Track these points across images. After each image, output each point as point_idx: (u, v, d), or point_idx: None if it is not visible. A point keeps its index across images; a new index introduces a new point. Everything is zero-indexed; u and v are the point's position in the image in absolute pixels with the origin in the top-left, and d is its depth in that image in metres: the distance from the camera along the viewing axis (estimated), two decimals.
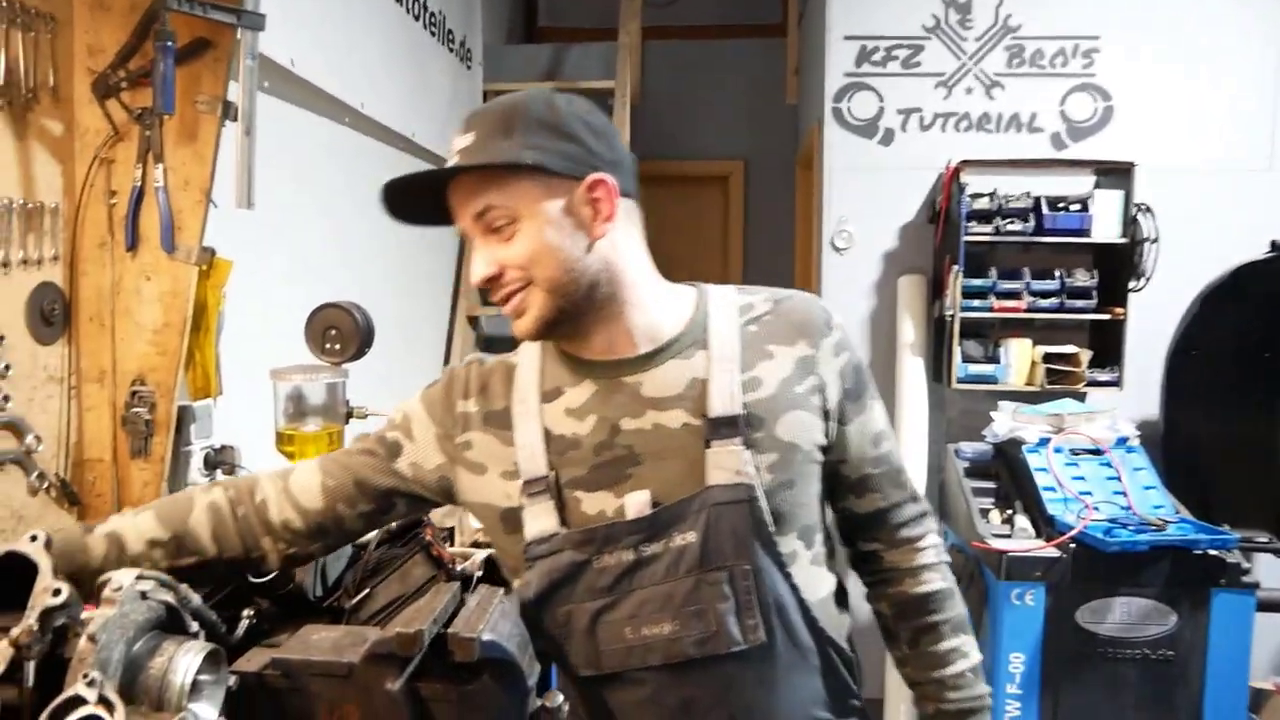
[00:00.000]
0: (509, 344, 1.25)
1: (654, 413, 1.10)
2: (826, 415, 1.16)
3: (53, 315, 1.78)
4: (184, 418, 1.91)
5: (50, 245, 1.77)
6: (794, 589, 1.09)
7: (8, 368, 1.67)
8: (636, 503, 1.09)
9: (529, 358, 1.20)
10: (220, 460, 2.01)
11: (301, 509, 1.16)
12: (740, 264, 4.83)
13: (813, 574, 1.14)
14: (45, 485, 1.77)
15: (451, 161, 1.08)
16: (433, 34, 4.00)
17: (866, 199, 3.62)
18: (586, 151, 1.08)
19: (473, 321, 4.46)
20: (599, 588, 1.08)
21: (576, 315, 1.10)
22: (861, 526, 1.25)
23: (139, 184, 1.80)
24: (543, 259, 1.06)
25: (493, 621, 0.95)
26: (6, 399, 1.66)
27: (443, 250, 4.37)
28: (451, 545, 1.74)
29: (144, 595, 0.94)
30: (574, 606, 1.09)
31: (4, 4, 1.62)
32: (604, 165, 1.09)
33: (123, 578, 0.93)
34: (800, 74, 4.62)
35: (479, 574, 1.64)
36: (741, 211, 4.80)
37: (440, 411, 1.20)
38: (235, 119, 1.83)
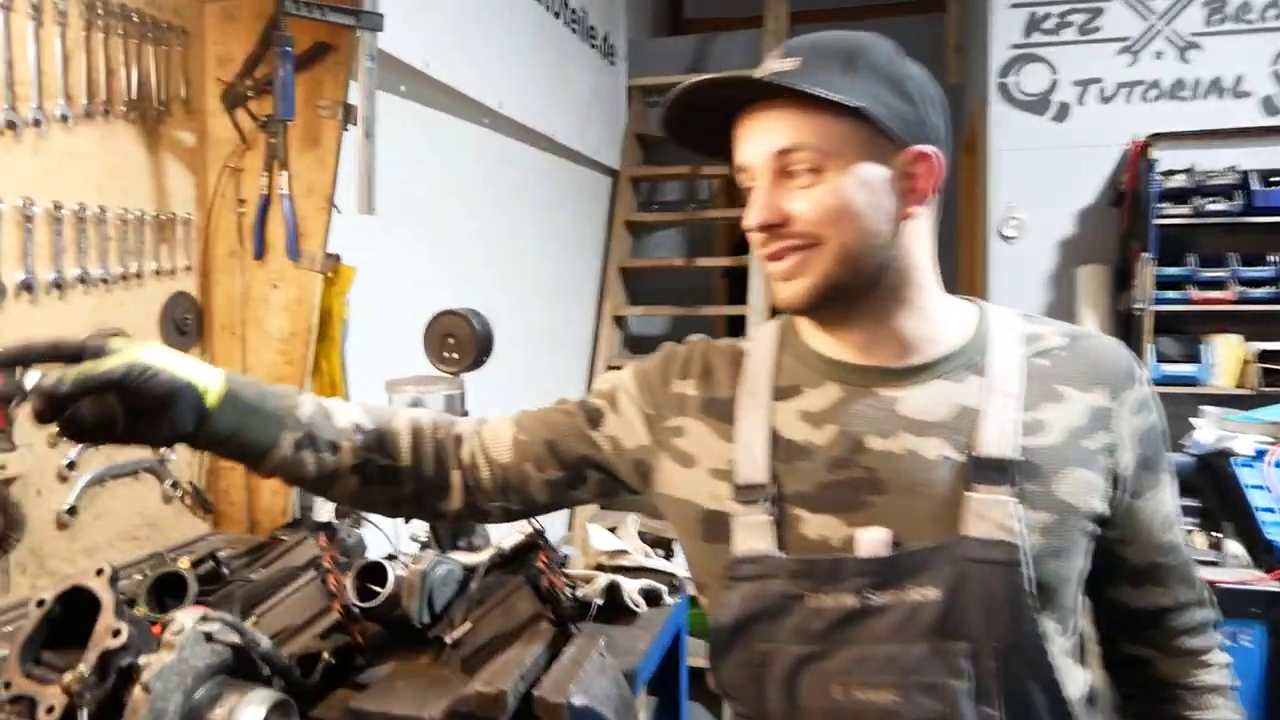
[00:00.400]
0: (655, 345, 1.13)
1: (909, 436, 0.93)
2: (1115, 483, 0.97)
3: (186, 324, 1.79)
4: None
5: (183, 255, 1.79)
6: (1051, 682, 0.91)
7: None
8: (871, 539, 0.91)
9: (763, 345, 1.04)
10: None
11: (489, 459, 1.05)
12: None
13: (1065, 667, 0.94)
14: (179, 493, 1.79)
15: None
16: (573, 31, 3.95)
17: (1038, 182, 3.29)
18: (920, 120, 0.93)
19: (619, 321, 4.39)
20: (810, 631, 0.92)
21: (852, 298, 0.93)
22: (1133, 625, 1.06)
23: (265, 192, 1.79)
24: (842, 220, 0.90)
25: (587, 680, 0.82)
26: None
27: (587, 248, 4.33)
28: (566, 570, 1.63)
29: (208, 637, 0.86)
30: (775, 647, 0.93)
31: (134, 19, 1.64)
32: (934, 141, 0.94)
33: (185, 619, 0.85)
34: (962, 50, 4.29)
35: (599, 602, 1.53)
36: None
37: (654, 389, 1.06)
38: (356, 123, 1.79)
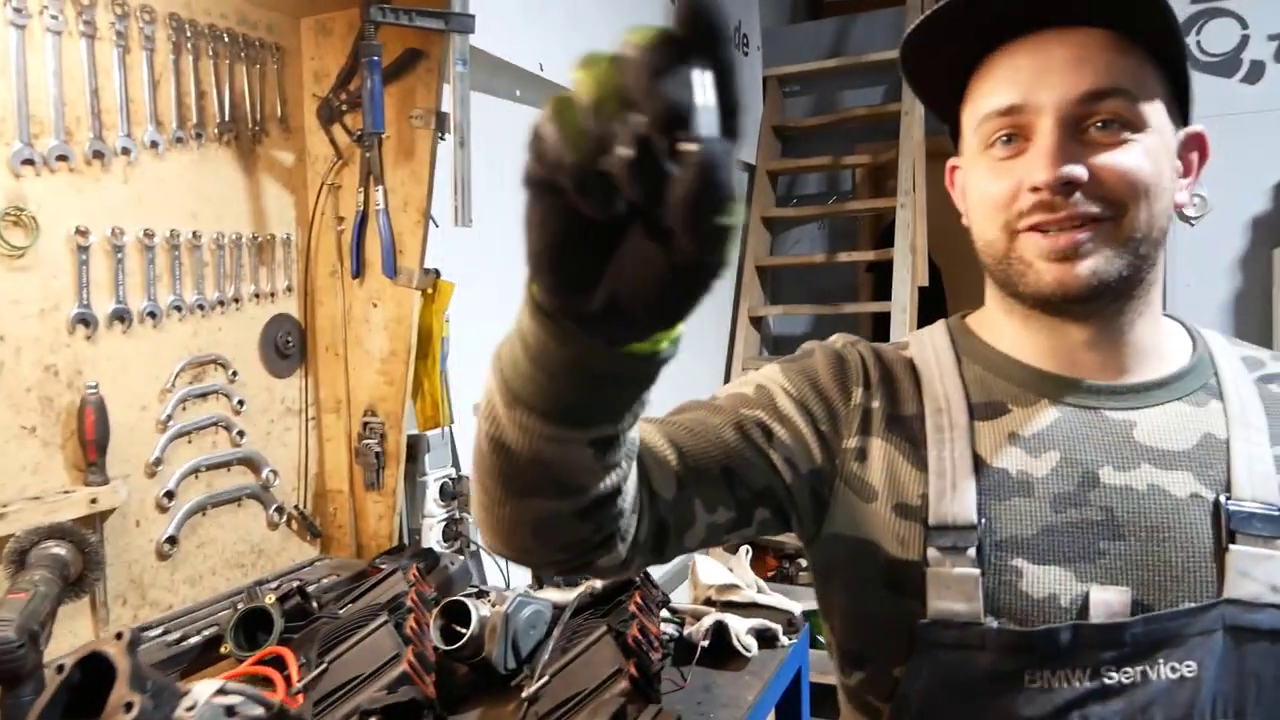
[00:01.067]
0: (797, 347, 0.92)
1: (1151, 469, 0.76)
2: None
3: (288, 347, 1.77)
4: (416, 448, 1.84)
5: (283, 277, 1.76)
6: None
7: (241, 403, 1.66)
8: (1107, 601, 0.73)
9: (934, 353, 0.86)
10: (458, 491, 1.92)
11: (653, 494, 0.72)
12: None
13: None
14: (285, 518, 1.76)
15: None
16: None
17: (1225, 153, 2.87)
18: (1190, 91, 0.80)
19: (756, 323, 4.21)
20: (1027, 718, 0.74)
21: (1126, 293, 0.76)
22: None
23: (362, 208, 1.74)
24: (1150, 192, 0.73)
25: None
26: (241, 434, 1.66)
27: None
28: (672, 607, 1.49)
29: (229, 711, 0.77)
30: None
31: (225, 39, 1.61)
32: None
33: (201, 692, 0.77)
34: None
35: (705, 644, 1.38)
36: None
37: (828, 396, 0.83)
38: (450, 132, 1.71)
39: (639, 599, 1.26)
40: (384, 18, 1.60)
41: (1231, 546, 0.72)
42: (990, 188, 0.76)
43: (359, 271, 1.77)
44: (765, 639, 1.45)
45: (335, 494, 1.85)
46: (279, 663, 1.26)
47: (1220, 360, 0.82)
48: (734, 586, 1.52)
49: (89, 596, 1.40)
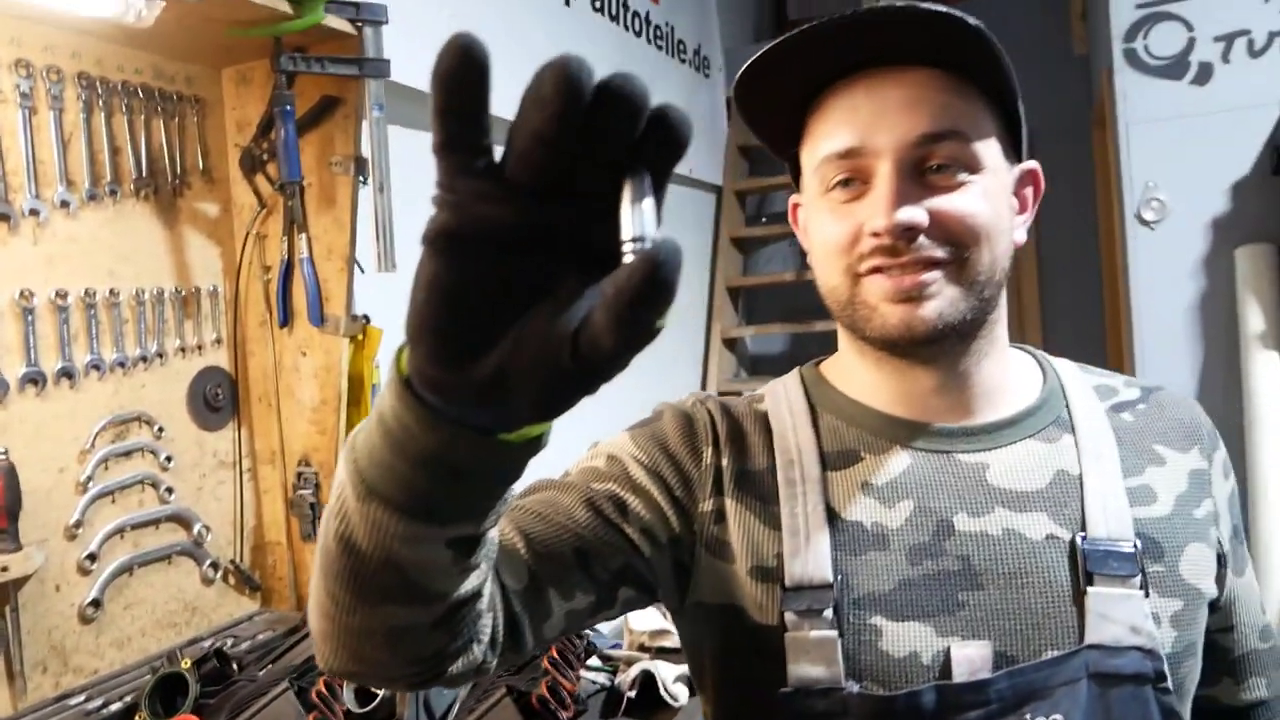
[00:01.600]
0: (781, 368, 0.92)
1: (1005, 512, 0.74)
2: (1220, 559, 0.80)
3: (218, 400, 1.75)
4: None
5: (211, 329, 1.75)
6: None
7: (169, 459, 1.65)
8: (969, 657, 0.70)
9: (787, 402, 0.83)
10: None
11: (504, 589, 0.68)
12: (1033, 252, 4.11)
13: None
14: (220, 573, 1.74)
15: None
16: (659, 48, 3.80)
17: (1179, 156, 2.87)
18: (1027, 130, 0.80)
19: (731, 345, 4.19)
20: None
21: (968, 334, 0.75)
22: None
23: (286, 257, 1.73)
24: (988, 235, 0.72)
25: None
26: (170, 490, 1.64)
27: (692, 269, 4.16)
28: (597, 659, 1.46)
29: None
30: None
31: (139, 94, 1.61)
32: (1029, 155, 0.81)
33: None
34: (1087, 16, 3.86)
35: (632, 694, 1.35)
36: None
37: (679, 460, 0.80)
38: (369, 176, 1.70)
39: (555, 652, 1.24)
40: (295, 66, 1.59)
41: (1089, 589, 0.71)
42: (831, 231, 0.75)
43: (286, 320, 1.76)
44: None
45: (274, 546, 1.82)
46: None
47: (1071, 392, 0.81)
48: (666, 632, 1.50)
49: (4, 667, 1.38)
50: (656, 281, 0.35)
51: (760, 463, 0.79)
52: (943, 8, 0.69)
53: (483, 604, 0.59)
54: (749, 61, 0.74)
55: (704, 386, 4.08)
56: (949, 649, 0.71)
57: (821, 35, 0.71)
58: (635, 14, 3.55)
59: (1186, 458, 0.79)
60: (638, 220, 0.37)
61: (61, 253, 1.48)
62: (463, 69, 0.36)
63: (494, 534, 0.56)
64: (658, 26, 3.78)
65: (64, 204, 1.49)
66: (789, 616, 0.72)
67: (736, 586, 0.76)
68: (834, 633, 0.71)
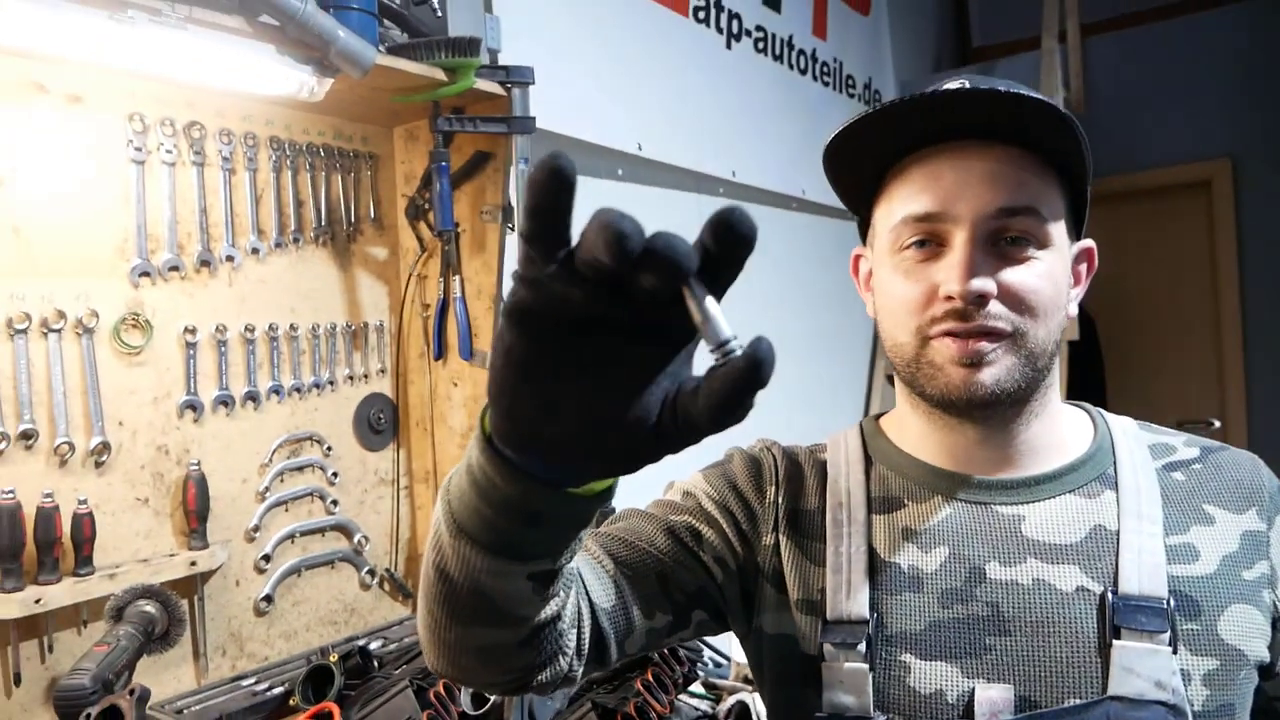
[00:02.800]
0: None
1: (1037, 563, 0.78)
2: (1276, 624, 0.79)
3: (380, 423, 1.95)
4: None
5: (376, 360, 1.95)
6: None
7: (335, 475, 1.85)
8: (991, 699, 0.75)
9: (844, 452, 0.90)
10: None
11: (593, 606, 0.76)
12: (1236, 289, 3.78)
13: None
14: (377, 580, 1.93)
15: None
16: (825, 84, 3.83)
17: None
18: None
19: (893, 380, 4.11)
20: None
21: (1018, 401, 0.80)
22: None
23: (442, 296, 1.91)
24: (1048, 311, 0.78)
25: None
26: (335, 503, 1.85)
27: (855, 305, 4.13)
28: (701, 686, 1.52)
29: None
30: None
31: (322, 154, 1.84)
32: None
33: None
34: None
35: None
36: (1232, 222, 3.77)
37: (746, 497, 0.88)
38: (515, 224, 1.85)
39: (650, 675, 1.31)
40: (450, 127, 1.77)
41: (1116, 642, 0.73)
42: (904, 291, 0.80)
43: (441, 354, 1.94)
44: None
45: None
46: (329, 717, 1.40)
47: (1121, 449, 0.83)
48: None
49: (192, 647, 1.61)
50: (761, 376, 0.40)
51: (812, 503, 0.86)
52: (1037, 94, 0.73)
53: (564, 624, 0.67)
54: (842, 125, 0.80)
55: None
56: (974, 690, 0.74)
57: (918, 107, 0.76)
58: (800, 52, 3.60)
59: (1240, 519, 0.79)
60: (713, 328, 0.42)
61: (251, 293, 1.72)
62: (554, 180, 0.41)
63: (572, 566, 0.64)
64: (824, 63, 3.81)
65: (255, 250, 1.72)
66: (827, 648, 0.79)
67: (789, 617, 0.83)
68: (865, 666, 0.77)
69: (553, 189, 0.41)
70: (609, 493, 0.55)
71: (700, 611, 0.84)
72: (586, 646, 0.73)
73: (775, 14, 3.38)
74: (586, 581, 0.75)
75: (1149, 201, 4.05)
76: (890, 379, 3.86)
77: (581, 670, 0.74)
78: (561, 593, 0.63)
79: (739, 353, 0.41)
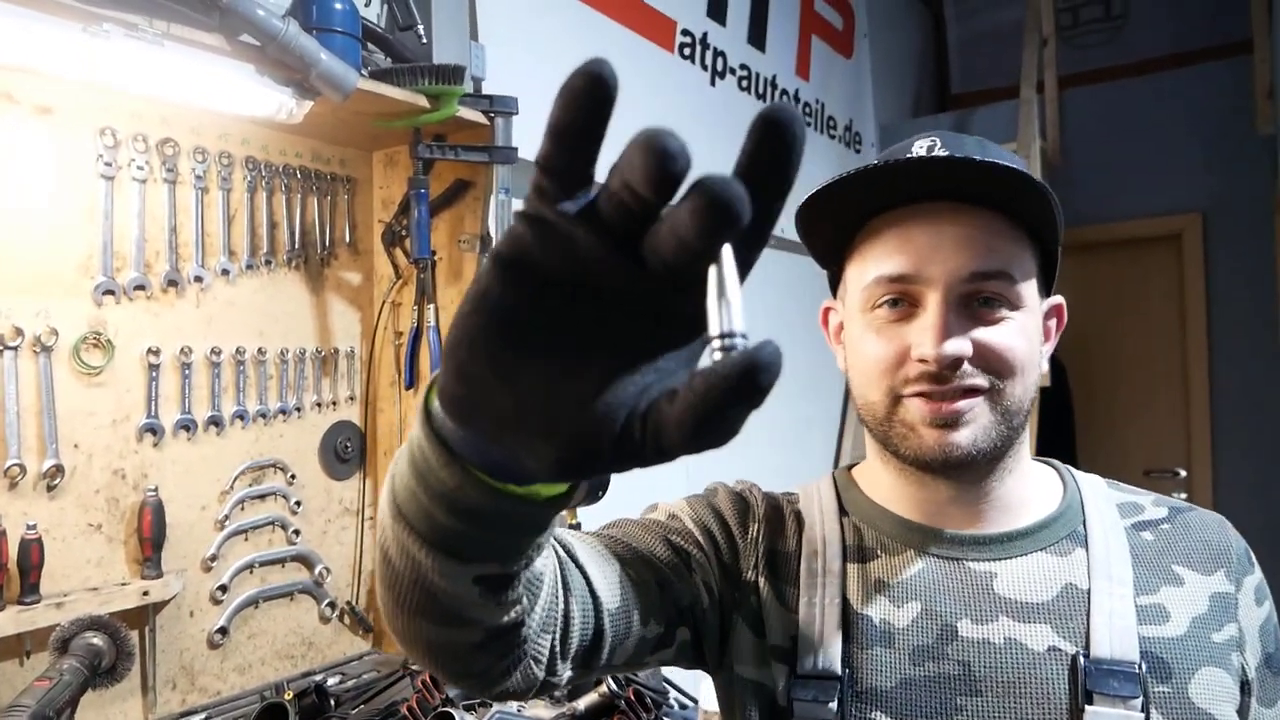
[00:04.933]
0: None
1: (1009, 621, 0.77)
2: (1244, 687, 0.78)
3: (347, 452, 1.90)
4: None
5: (345, 387, 1.91)
6: None
7: (299, 504, 1.81)
8: None
9: (818, 503, 0.88)
10: None
11: (596, 605, 0.68)
12: (1204, 341, 3.83)
13: None
14: (337, 613, 1.87)
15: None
16: (808, 124, 3.85)
17: None
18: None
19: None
20: None
21: (993, 459, 0.78)
22: None
23: (416, 324, 1.88)
24: (1023, 368, 0.77)
25: None
26: (297, 533, 1.80)
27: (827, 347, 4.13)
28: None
29: None
30: None
31: (298, 175, 1.80)
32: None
33: None
34: (1276, 95, 3.63)
35: None
36: (1201, 275, 3.83)
37: (732, 528, 0.85)
38: None
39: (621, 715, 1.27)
40: (431, 154, 1.75)
41: (1089, 707, 0.71)
42: (876, 349, 0.79)
43: (412, 383, 1.90)
44: None
45: None
46: None
47: (1090, 507, 0.82)
48: None
49: (140, 680, 1.55)
50: (755, 387, 0.32)
51: (789, 546, 0.85)
52: (1014, 164, 0.73)
53: (529, 630, 0.58)
54: (819, 187, 0.79)
55: (837, 461, 4.02)
56: None
57: (891, 173, 0.75)
58: (784, 91, 3.63)
59: (1209, 580, 0.78)
60: (725, 314, 0.34)
61: (219, 314, 1.68)
62: (593, 92, 0.34)
63: (538, 569, 0.55)
64: (807, 104, 3.84)
65: (224, 271, 1.68)
66: (797, 704, 0.77)
67: (765, 662, 0.80)
68: None
69: (589, 104, 0.34)
70: (561, 501, 0.46)
71: (685, 630, 0.80)
72: (575, 648, 0.65)
73: (760, 53, 3.41)
74: (593, 579, 0.68)
75: (1121, 252, 4.11)
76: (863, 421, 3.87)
77: (561, 679, 0.66)
78: (525, 599, 0.55)
79: (740, 349, 0.33)
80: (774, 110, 0.35)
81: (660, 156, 0.32)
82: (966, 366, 0.75)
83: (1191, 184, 3.85)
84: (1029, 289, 0.78)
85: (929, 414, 0.75)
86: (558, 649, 0.63)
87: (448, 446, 0.44)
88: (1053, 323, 0.84)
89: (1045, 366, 0.81)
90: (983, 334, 0.75)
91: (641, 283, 0.36)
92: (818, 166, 3.93)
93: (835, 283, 0.88)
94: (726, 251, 0.34)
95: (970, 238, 0.75)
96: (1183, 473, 3.89)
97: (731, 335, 0.34)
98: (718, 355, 0.34)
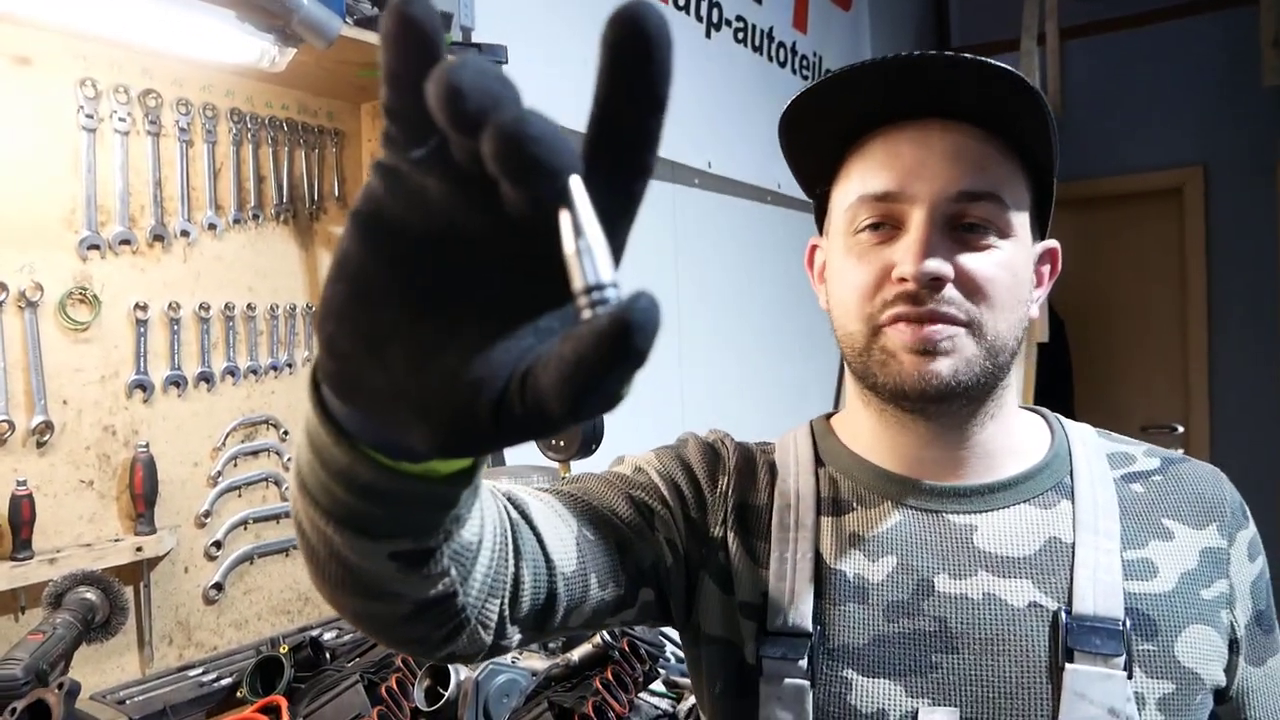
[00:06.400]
0: None
1: (988, 576, 0.74)
2: (1233, 646, 0.76)
3: None
4: None
5: None
6: None
7: (291, 460, 1.79)
8: None
9: (793, 452, 0.85)
10: None
11: (550, 567, 0.65)
12: (1203, 296, 3.81)
13: None
14: None
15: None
16: (804, 77, 3.80)
17: None
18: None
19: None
20: None
21: (976, 399, 0.76)
22: None
23: None
24: (1009, 299, 0.73)
25: None
26: None
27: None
28: (662, 684, 1.49)
29: None
30: None
31: (285, 128, 1.77)
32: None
33: None
34: None
35: None
36: (1202, 229, 3.80)
37: (700, 481, 0.82)
38: None
39: (609, 674, 1.28)
40: None
41: (1068, 665, 0.69)
42: (855, 274, 0.75)
43: None
44: None
45: None
46: (277, 711, 1.35)
47: (1078, 458, 0.79)
48: None
49: (137, 635, 1.55)
50: (627, 351, 0.28)
51: (760, 500, 0.82)
52: (1001, 64, 0.69)
53: (468, 598, 0.54)
54: (799, 92, 0.75)
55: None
56: (917, 711, 0.71)
57: (876, 74, 0.71)
58: (780, 44, 3.57)
59: (1200, 534, 0.76)
60: (588, 265, 0.30)
61: (207, 269, 1.66)
62: (407, 34, 0.32)
63: (466, 539, 0.51)
64: (804, 56, 3.79)
65: (211, 226, 1.66)
66: (766, 661, 0.74)
67: (732, 619, 0.78)
68: (806, 682, 0.73)
69: (408, 46, 0.31)
70: (466, 476, 0.43)
71: (648, 590, 0.78)
72: (527, 611, 0.62)
73: (756, 5, 3.35)
74: (546, 541, 0.65)
75: (1121, 206, 4.07)
76: None
77: (510, 642, 0.63)
78: (453, 570, 0.50)
79: (612, 304, 0.29)
80: (627, 8, 0.30)
81: (448, 95, 0.29)
82: (947, 291, 0.71)
83: (1193, 137, 3.81)
84: (1020, 220, 0.74)
85: (909, 340, 0.71)
86: (507, 614, 0.60)
87: (336, 422, 0.40)
88: (1046, 268, 0.81)
89: (1035, 312, 0.78)
90: (967, 259, 0.72)
91: (507, 232, 0.33)
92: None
93: (821, 216, 0.85)
94: (577, 190, 0.30)
95: (959, 153, 0.72)
96: (1180, 428, 3.89)
97: (601, 288, 0.29)
98: (586, 314, 0.30)
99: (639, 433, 1.48)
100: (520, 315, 0.34)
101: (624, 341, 0.28)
